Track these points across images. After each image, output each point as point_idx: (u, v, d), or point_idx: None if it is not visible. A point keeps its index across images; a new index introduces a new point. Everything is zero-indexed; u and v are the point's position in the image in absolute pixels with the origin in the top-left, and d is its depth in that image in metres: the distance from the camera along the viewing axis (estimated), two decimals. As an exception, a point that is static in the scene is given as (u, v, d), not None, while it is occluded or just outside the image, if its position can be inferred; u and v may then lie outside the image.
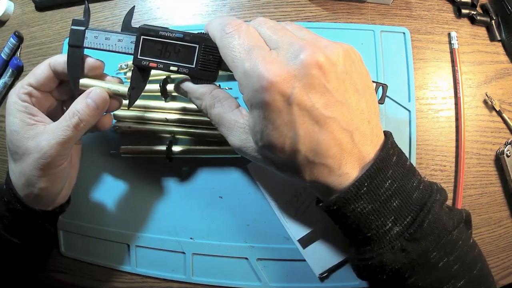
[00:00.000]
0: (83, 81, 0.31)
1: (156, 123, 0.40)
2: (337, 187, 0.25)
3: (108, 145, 0.42)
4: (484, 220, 0.41)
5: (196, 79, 0.30)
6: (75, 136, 0.30)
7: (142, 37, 0.29)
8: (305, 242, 0.38)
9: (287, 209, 0.38)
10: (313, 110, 0.23)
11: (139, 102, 0.40)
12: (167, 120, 0.39)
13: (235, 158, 0.39)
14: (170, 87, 0.40)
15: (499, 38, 0.43)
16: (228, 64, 0.25)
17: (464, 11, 0.43)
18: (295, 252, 0.38)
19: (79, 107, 0.30)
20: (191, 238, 0.40)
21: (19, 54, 0.47)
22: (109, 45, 0.30)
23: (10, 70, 0.46)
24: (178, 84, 0.31)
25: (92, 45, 0.30)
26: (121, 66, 0.42)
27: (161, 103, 0.40)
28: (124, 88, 0.31)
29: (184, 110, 0.39)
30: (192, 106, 0.39)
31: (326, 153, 0.24)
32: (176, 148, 0.39)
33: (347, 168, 0.24)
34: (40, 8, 0.47)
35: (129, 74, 0.42)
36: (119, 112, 0.40)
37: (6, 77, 0.46)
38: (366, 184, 0.24)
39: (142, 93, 0.41)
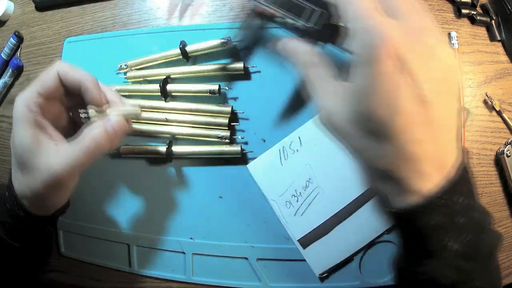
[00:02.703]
0: (92, 112, 0.31)
1: (156, 123, 0.40)
2: (413, 186, 0.22)
3: (108, 145, 0.42)
4: (484, 220, 0.41)
5: (306, 38, 0.29)
6: (89, 161, 0.30)
7: None
8: (305, 242, 0.38)
9: (287, 209, 0.38)
10: (418, 88, 0.21)
11: (139, 102, 0.40)
12: (167, 120, 0.39)
13: (235, 158, 0.39)
14: (170, 87, 0.40)
15: (499, 38, 0.43)
16: (346, 18, 0.24)
17: (464, 11, 0.43)
18: (295, 252, 0.38)
19: (97, 132, 0.29)
20: (191, 238, 0.40)
21: (19, 54, 0.47)
22: None
23: (10, 70, 0.46)
24: (284, 41, 0.29)
25: None
26: (121, 66, 0.42)
27: (161, 103, 0.40)
28: (137, 111, 0.32)
29: (184, 110, 0.39)
30: (191, 106, 0.39)
31: (418, 136, 0.22)
32: (176, 148, 0.39)
33: (427, 166, 0.22)
34: (40, 8, 0.47)
35: (129, 74, 0.42)
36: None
37: (6, 77, 0.46)
38: (445, 196, 0.22)
39: (142, 93, 0.41)
